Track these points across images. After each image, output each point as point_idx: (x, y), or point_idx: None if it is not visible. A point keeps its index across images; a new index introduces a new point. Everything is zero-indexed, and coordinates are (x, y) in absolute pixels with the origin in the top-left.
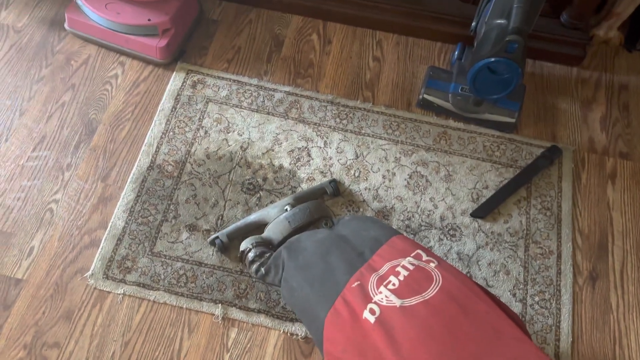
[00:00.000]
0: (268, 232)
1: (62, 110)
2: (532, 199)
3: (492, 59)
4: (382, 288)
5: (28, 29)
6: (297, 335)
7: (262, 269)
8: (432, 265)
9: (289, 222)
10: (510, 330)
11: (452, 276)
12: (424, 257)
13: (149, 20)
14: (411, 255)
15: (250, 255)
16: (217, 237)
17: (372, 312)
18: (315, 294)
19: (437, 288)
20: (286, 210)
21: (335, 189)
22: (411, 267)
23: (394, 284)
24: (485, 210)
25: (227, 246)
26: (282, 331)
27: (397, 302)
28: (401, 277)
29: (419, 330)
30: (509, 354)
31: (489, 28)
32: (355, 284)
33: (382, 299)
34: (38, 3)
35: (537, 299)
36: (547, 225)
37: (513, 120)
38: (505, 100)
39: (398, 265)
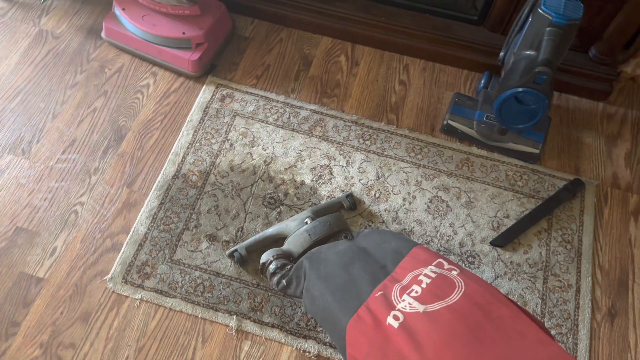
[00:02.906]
0: (288, 245)
1: (93, 115)
2: (552, 231)
3: (520, 89)
4: (405, 296)
5: (66, 35)
6: (309, 352)
7: (284, 281)
8: (454, 272)
9: (309, 234)
10: (535, 334)
11: (474, 283)
12: (446, 266)
13: (183, 33)
14: (433, 264)
15: (272, 267)
16: (235, 250)
17: (395, 318)
18: (337, 303)
19: (460, 294)
20: (306, 223)
21: (352, 203)
22: (433, 275)
23: (416, 292)
24: (505, 240)
25: (246, 259)
26: (294, 347)
27: (420, 307)
28: (424, 285)
29: (443, 333)
30: (535, 356)
31: (518, 58)
32: (379, 293)
33: (405, 306)
34: (77, 11)
35: (554, 332)
36: (567, 258)
37: (537, 151)
38: (530, 131)
39: (420, 274)
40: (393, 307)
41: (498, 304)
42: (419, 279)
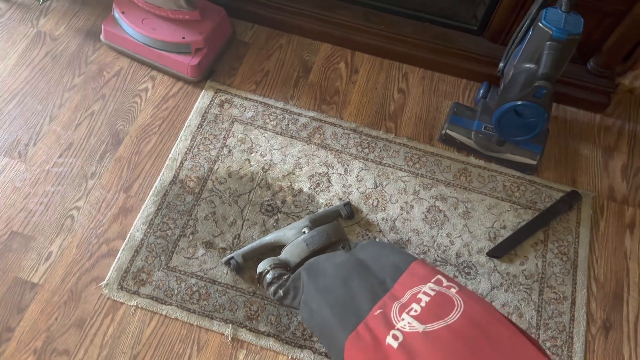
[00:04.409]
0: (285, 254)
1: (91, 119)
2: (549, 242)
3: (520, 103)
4: (404, 315)
5: (64, 37)
6: None
7: (281, 291)
8: (453, 290)
9: (307, 244)
10: (533, 355)
11: (473, 302)
12: (445, 283)
13: (183, 38)
14: (432, 281)
15: (269, 277)
16: (232, 257)
17: (395, 337)
18: (335, 318)
19: (460, 313)
20: (304, 232)
21: (350, 212)
22: (432, 293)
23: (415, 311)
24: (501, 251)
25: (242, 267)
26: (290, 357)
27: (419, 327)
28: (423, 304)
29: (443, 353)
30: None
31: (518, 71)
32: (378, 311)
33: (404, 325)
34: (76, 13)
35: (548, 344)
36: (562, 270)
37: (534, 163)
38: (528, 142)
39: (419, 292)
40: (392, 327)
41: (497, 324)
42: (418, 297)
